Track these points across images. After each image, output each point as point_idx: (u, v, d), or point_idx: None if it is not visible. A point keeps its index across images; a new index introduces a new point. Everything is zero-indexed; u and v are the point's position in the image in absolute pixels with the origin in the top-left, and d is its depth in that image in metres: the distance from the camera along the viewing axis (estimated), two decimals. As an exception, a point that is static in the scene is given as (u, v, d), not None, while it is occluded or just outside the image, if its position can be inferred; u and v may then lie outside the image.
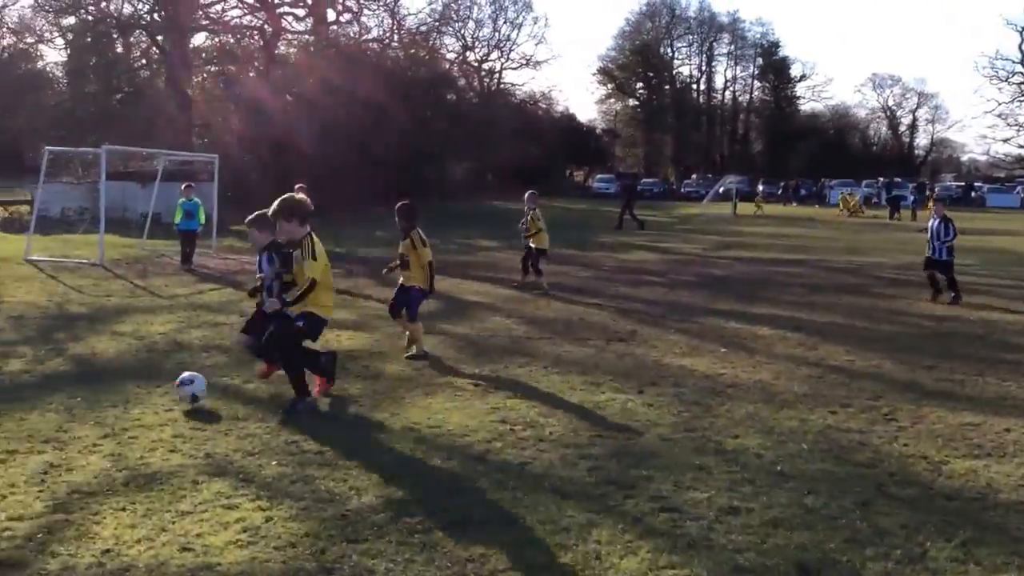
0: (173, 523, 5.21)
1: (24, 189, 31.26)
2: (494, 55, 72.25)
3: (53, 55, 62.60)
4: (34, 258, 17.79)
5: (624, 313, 13.32)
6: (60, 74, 56.01)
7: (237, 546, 4.91)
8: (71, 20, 42.61)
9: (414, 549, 4.88)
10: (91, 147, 26.05)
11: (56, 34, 44.50)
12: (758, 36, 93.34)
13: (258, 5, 42.69)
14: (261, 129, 33.17)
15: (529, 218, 15.75)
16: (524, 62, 73.20)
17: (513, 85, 74.26)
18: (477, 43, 70.76)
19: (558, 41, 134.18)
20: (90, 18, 42.22)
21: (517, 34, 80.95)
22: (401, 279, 10.09)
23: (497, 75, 73.19)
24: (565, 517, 5.35)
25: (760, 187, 55.96)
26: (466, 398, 8.13)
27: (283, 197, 7.94)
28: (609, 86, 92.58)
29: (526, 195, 15.89)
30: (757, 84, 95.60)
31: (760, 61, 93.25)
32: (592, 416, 7.62)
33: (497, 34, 71.38)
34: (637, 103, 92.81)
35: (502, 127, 52.81)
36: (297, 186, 17.28)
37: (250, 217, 8.08)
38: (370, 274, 17.13)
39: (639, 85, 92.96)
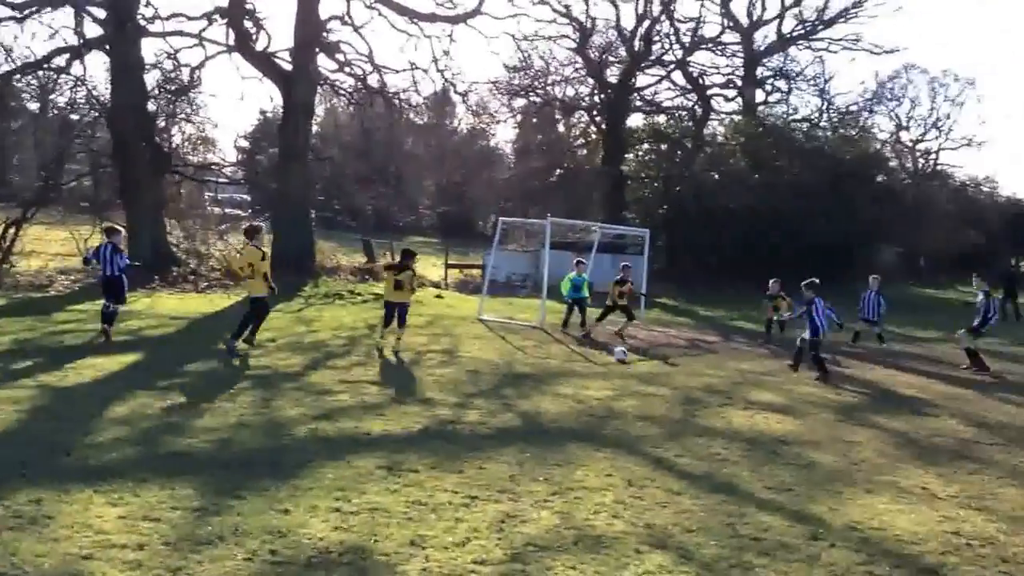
0: (620, 589, 5.40)
1: (477, 254, 34.57)
2: (931, 135, 68.10)
3: (503, 134, 69.17)
4: (485, 318, 19.55)
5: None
6: (509, 151, 61.81)
7: (683, 623, 4.98)
8: (521, 102, 46.89)
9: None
10: (532, 218, 28.25)
11: (508, 115, 49.26)
12: None
13: (690, 87, 44.15)
14: (689, 206, 33.86)
15: None
16: (965, 142, 68.19)
17: (951, 166, 69.37)
18: (912, 122, 67.19)
19: (1007, 117, 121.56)
20: (538, 100, 46.10)
21: (958, 112, 75.73)
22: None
23: (933, 156, 68.85)
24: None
25: None
26: (912, 502, 7.60)
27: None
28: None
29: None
30: None
31: None
32: (1066, 541, 6.80)
33: (935, 112, 67.27)
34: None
35: (937, 211, 49.54)
36: (623, 264, 19.14)
37: None
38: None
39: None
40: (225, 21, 26.24)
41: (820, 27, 44.47)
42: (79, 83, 26.48)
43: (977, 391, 14.00)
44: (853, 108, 51.24)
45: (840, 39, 44.74)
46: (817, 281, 15.39)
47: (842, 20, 43.94)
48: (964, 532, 6.85)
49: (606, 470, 8.03)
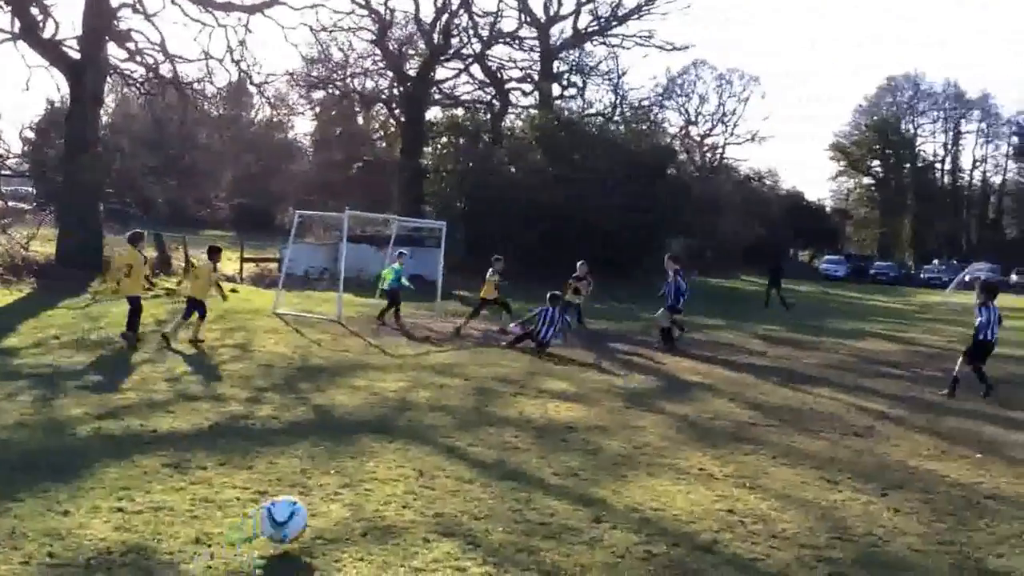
0: (407, 579, 5.43)
1: (274, 247, 33.72)
2: (718, 129, 71.92)
3: (303, 126, 67.82)
4: (281, 312, 19.09)
5: (860, 406, 12.53)
6: (308, 144, 60.67)
7: (468, 609, 5.05)
8: (320, 94, 46.09)
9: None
10: (332, 211, 27.88)
11: (306, 107, 48.38)
12: (1013, 113, 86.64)
13: (488, 81, 44.81)
14: (488, 200, 34.26)
15: None
16: (749, 137, 72.47)
17: (736, 160, 73.53)
18: (700, 117, 70.82)
19: (787, 116, 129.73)
20: (337, 93, 45.44)
21: (743, 108, 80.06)
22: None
23: (720, 150, 72.74)
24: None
25: (1013, 276, 52.11)
26: (690, 483, 7.99)
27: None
28: (842, 163, 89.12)
29: None
30: (1012, 165, 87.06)
31: (1016, 140, 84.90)
32: (830, 516, 7.25)
33: (722, 108, 71.09)
34: (873, 182, 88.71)
35: (723, 203, 52.29)
36: (495, 258, 18.95)
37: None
38: (587, 344, 17.26)
39: (875, 163, 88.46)
40: (10, 8, 24.49)
41: (614, 23, 46.01)
42: None
43: (756, 376, 14.82)
44: (645, 103, 53.44)
45: (633, 35, 46.48)
46: (559, 294, 16.99)
47: (635, 17, 45.59)
48: (738, 510, 7.25)
49: (398, 461, 8.05)
